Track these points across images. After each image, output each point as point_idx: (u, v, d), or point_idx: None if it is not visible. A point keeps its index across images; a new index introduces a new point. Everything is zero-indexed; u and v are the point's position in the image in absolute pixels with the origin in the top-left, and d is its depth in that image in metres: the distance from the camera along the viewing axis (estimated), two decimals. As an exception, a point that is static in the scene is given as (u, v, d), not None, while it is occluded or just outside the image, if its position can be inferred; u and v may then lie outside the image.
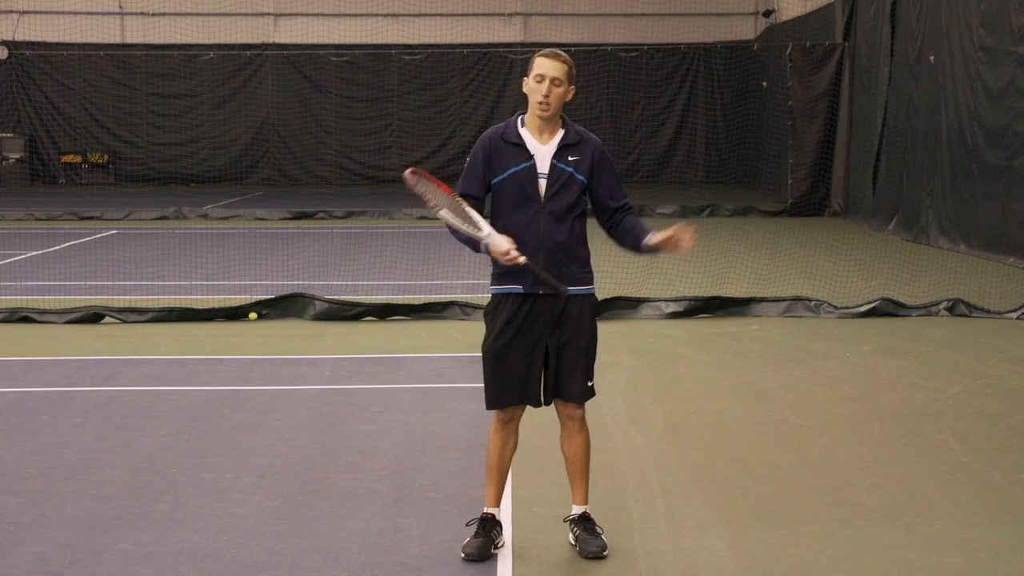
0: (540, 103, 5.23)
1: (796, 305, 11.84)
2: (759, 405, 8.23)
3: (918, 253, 16.56)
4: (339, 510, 6.00)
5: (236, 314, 11.60)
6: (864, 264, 15.73)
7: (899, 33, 20.01)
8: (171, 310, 11.54)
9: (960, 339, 10.61)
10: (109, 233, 20.62)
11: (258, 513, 5.96)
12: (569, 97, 5.30)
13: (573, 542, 5.47)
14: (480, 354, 5.47)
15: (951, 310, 11.73)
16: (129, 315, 11.48)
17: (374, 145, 34.01)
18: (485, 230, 5.17)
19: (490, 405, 5.42)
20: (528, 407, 5.49)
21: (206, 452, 7.04)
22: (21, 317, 11.42)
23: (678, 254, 5.39)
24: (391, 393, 8.65)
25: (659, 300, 11.90)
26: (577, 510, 5.52)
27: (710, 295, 12.11)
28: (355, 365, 9.65)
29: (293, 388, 8.83)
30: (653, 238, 5.30)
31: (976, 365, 9.52)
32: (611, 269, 12.37)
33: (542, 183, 5.28)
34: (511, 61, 33.14)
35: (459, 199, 5.22)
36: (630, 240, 5.41)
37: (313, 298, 11.70)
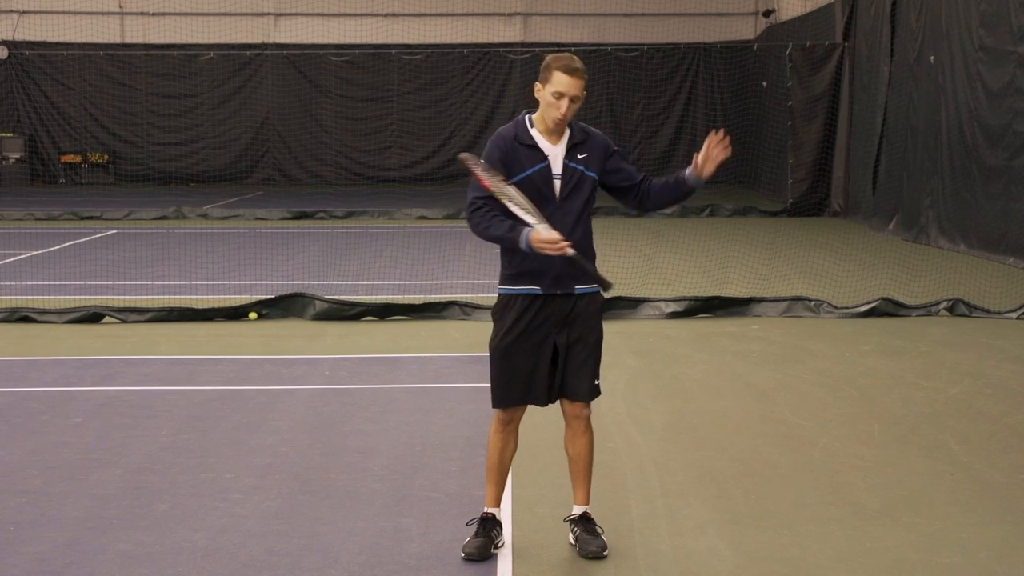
0: (557, 120, 5.25)
1: (796, 305, 11.84)
2: (759, 405, 8.23)
3: (918, 253, 16.56)
4: (339, 510, 6.00)
5: (236, 314, 11.60)
6: (864, 264, 15.73)
7: (899, 33, 20.01)
8: (171, 310, 11.54)
9: (960, 339, 10.61)
10: (109, 233, 20.62)
11: (258, 513, 5.96)
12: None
13: (573, 542, 5.48)
14: (486, 354, 5.48)
15: (951, 310, 11.74)
16: (129, 315, 11.48)
17: (374, 145, 34.01)
18: (535, 218, 5.19)
19: (496, 403, 5.43)
20: (529, 407, 5.50)
21: (206, 452, 7.05)
22: (21, 317, 11.42)
23: (720, 162, 5.33)
24: (391, 393, 8.65)
25: (659, 300, 11.90)
26: (577, 510, 5.52)
27: (710, 295, 12.11)
28: (355, 365, 9.65)
29: (293, 388, 8.83)
30: (693, 168, 5.34)
31: (976, 365, 9.52)
32: (611, 269, 12.33)
33: (556, 183, 5.32)
34: (511, 61, 33.15)
35: (510, 187, 5.23)
36: (671, 188, 5.44)
37: (313, 298, 11.70)
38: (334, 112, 33.86)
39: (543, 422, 7.17)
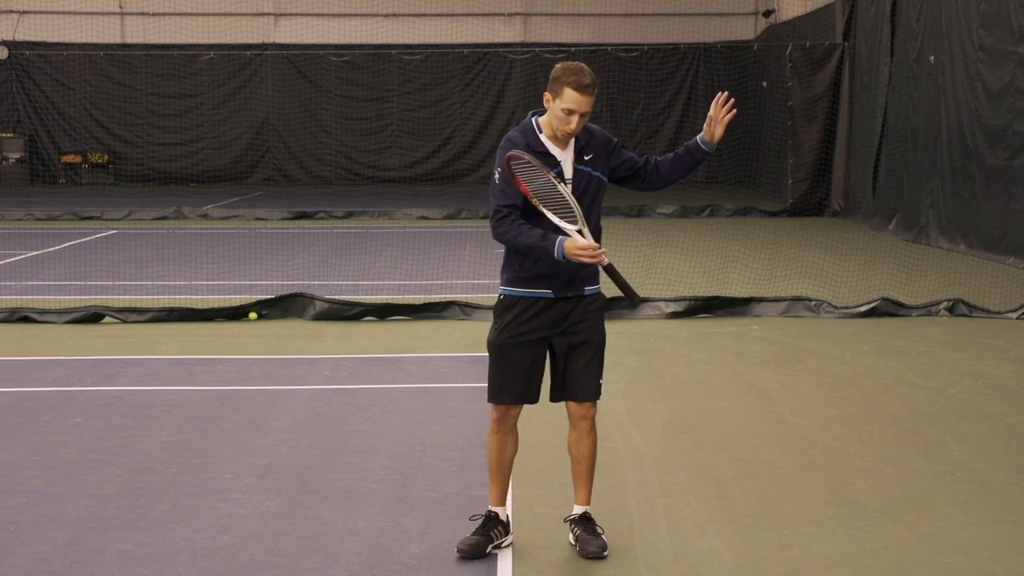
0: (566, 133, 5.26)
1: (796, 305, 11.84)
2: (759, 405, 8.23)
3: (918, 253, 16.56)
4: (339, 510, 6.00)
5: (236, 314, 11.60)
6: (864, 264, 15.73)
7: (899, 33, 20.01)
8: (171, 310, 11.54)
9: (960, 339, 10.61)
10: (109, 233, 20.62)
11: (258, 513, 5.97)
12: None
13: (573, 542, 5.48)
14: (486, 354, 5.49)
15: (951, 310, 11.73)
16: (129, 315, 11.48)
17: (374, 145, 34.01)
18: (575, 226, 5.21)
19: (491, 398, 5.45)
20: (526, 407, 5.50)
21: (206, 452, 7.05)
22: (21, 317, 11.42)
23: (727, 123, 5.39)
24: (391, 393, 8.65)
25: (659, 300, 11.91)
26: (578, 510, 5.53)
27: (710, 295, 12.11)
28: (355, 365, 9.65)
29: (293, 388, 8.83)
30: (703, 134, 5.41)
31: (976, 365, 9.52)
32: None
33: (568, 188, 5.32)
34: (511, 61, 33.13)
35: (559, 184, 5.25)
36: (683, 160, 5.48)
37: (313, 298, 11.70)
38: (334, 112, 33.85)
39: (543, 422, 7.17)
